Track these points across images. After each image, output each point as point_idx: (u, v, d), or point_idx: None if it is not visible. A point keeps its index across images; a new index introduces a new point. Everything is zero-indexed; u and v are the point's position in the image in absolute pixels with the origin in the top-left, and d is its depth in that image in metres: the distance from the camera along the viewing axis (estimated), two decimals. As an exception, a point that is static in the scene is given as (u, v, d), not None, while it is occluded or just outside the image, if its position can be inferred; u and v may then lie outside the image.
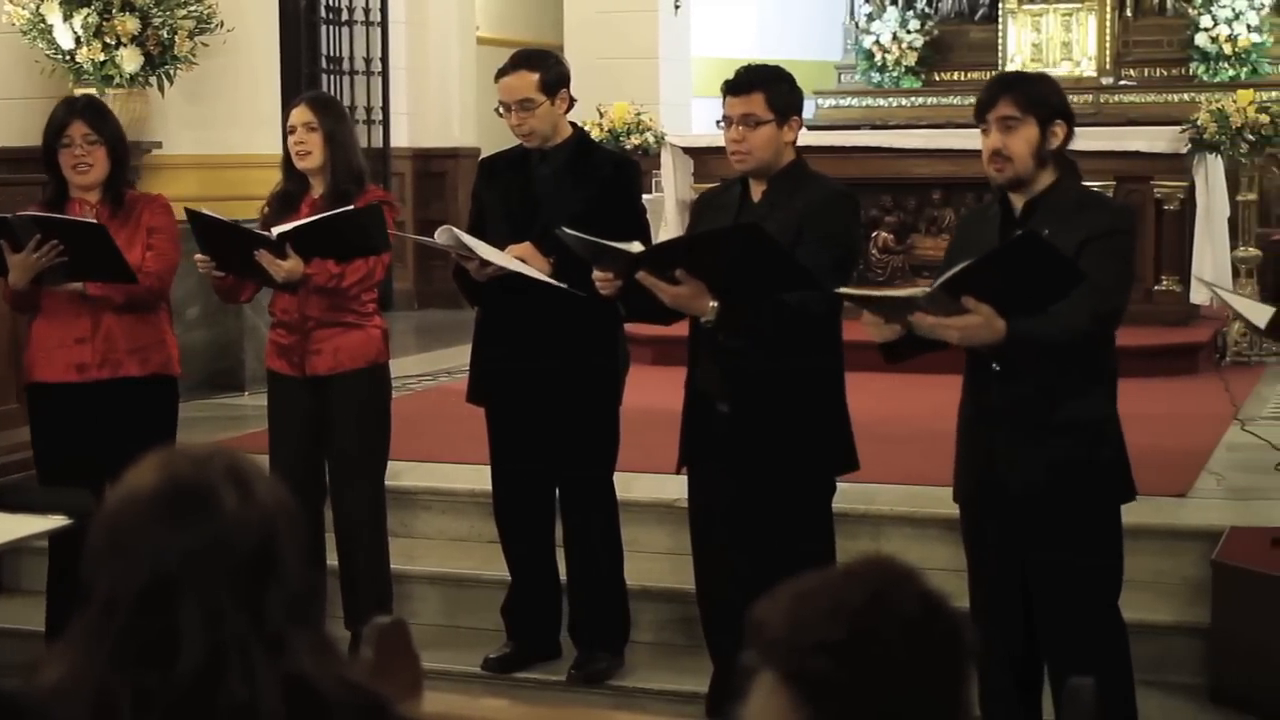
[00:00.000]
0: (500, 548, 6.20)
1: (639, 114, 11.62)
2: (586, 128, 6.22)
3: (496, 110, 5.89)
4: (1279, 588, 5.64)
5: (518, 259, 5.64)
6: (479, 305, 5.99)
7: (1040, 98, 4.59)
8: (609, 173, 5.87)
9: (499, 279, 5.67)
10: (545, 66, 5.81)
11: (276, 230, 5.77)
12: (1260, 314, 4.26)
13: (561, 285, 5.50)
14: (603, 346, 5.85)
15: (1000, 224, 4.64)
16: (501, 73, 5.86)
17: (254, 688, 1.99)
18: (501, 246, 5.69)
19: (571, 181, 5.78)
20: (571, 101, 5.90)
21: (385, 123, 14.04)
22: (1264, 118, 10.46)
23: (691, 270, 4.90)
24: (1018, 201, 4.61)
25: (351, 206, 5.77)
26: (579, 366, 5.81)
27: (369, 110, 13.89)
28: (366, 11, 13.93)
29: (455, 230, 5.68)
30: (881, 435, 6.82)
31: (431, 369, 10.38)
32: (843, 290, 4.67)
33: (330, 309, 5.94)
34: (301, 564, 2.08)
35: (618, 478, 6.07)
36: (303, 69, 13.14)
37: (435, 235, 5.73)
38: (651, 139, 11.49)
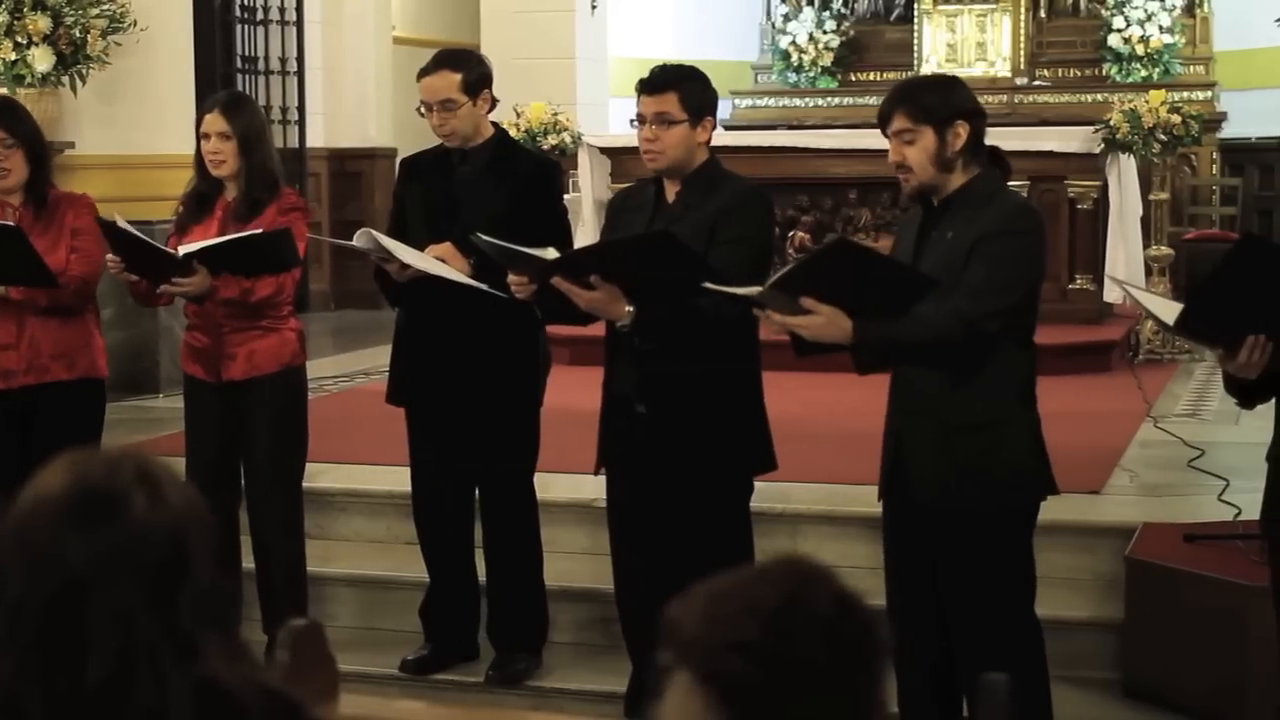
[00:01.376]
0: (418, 549, 6.18)
1: (556, 114, 11.61)
2: (504, 128, 6.20)
3: (418, 110, 5.86)
4: (1192, 583, 5.69)
5: (437, 260, 5.62)
6: (399, 306, 5.97)
7: (932, 106, 4.57)
8: (530, 174, 5.86)
9: (420, 280, 5.65)
10: (468, 67, 5.80)
11: (183, 249, 5.73)
12: (1170, 311, 4.28)
13: (481, 286, 5.49)
14: (523, 347, 5.84)
15: (920, 224, 4.66)
16: (424, 72, 5.84)
17: (165, 693, 1.97)
18: (421, 247, 5.67)
19: (493, 182, 5.77)
20: (494, 102, 5.89)
21: (301, 123, 13.98)
22: (1175, 118, 10.56)
23: (606, 275, 4.90)
24: (936, 201, 4.64)
25: (260, 231, 5.71)
26: (499, 367, 5.79)
27: (284, 110, 13.83)
28: (282, 11, 13.86)
29: (374, 233, 5.66)
30: (799, 434, 6.84)
31: (348, 370, 10.34)
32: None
33: (244, 315, 5.90)
34: (213, 567, 2.07)
35: (538, 478, 6.06)
36: (217, 69, 13.07)
37: (354, 238, 5.70)
38: (568, 139, 11.48)
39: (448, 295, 5.61)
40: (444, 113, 5.74)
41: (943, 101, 4.61)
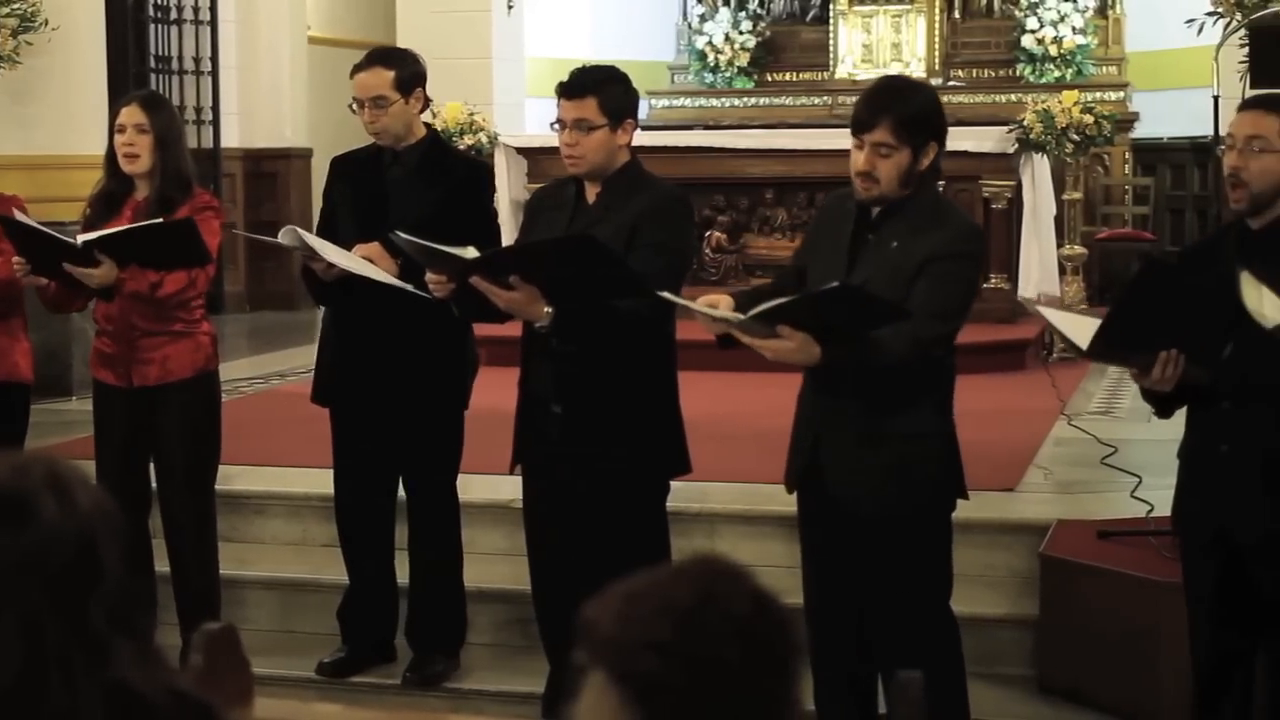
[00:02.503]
0: (335, 551, 6.15)
1: (472, 114, 11.59)
2: (436, 129, 6.19)
3: (350, 107, 5.84)
4: (1105, 579, 5.74)
5: (364, 259, 5.60)
6: (326, 305, 5.95)
7: (920, 126, 4.52)
8: (461, 175, 5.85)
9: (347, 279, 5.63)
10: (401, 65, 5.78)
11: (82, 238, 5.68)
12: (1080, 331, 4.31)
13: (407, 286, 5.46)
14: (451, 349, 5.82)
15: (854, 225, 4.63)
16: (357, 69, 5.83)
17: (75, 698, 1.95)
18: (350, 246, 5.65)
19: (423, 183, 5.75)
20: (427, 101, 5.87)
21: (215, 123, 13.90)
22: (1088, 118, 10.65)
23: (526, 276, 4.89)
24: (875, 207, 4.61)
25: (161, 220, 5.67)
26: (427, 369, 5.77)
27: (199, 110, 13.74)
28: (196, 10, 13.77)
29: (298, 230, 5.63)
30: (715, 434, 6.85)
31: (264, 372, 10.29)
32: (666, 295, 4.66)
33: (156, 318, 5.84)
34: (124, 572, 2.05)
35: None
36: (130, 68, 12.97)
37: (279, 235, 5.67)
38: (485, 139, 11.46)
39: (375, 295, 5.59)
40: (375, 109, 5.72)
41: (932, 122, 4.56)
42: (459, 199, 5.70)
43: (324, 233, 5.78)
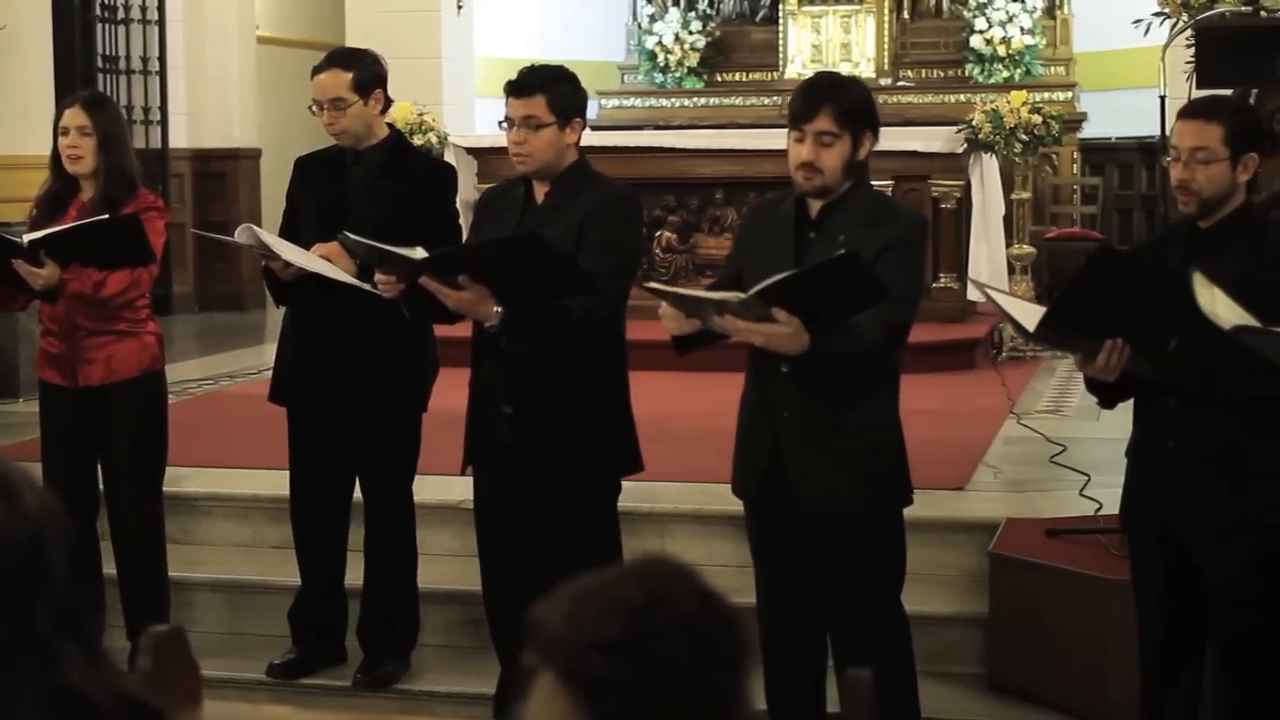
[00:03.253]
0: (284, 553, 6.14)
1: (422, 114, 11.57)
2: (400, 130, 6.18)
3: (310, 108, 5.83)
4: (1055, 578, 5.76)
5: (322, 259, 5.58)
6: (285, 304, 5.93)
7: (858, 113, 4.56)
8: (423, 176, 5.84)
9: (307, 278, 5.61)
10: (360, 66, 5.76)
11: (28, 237, 5.65)
12: (1028, 315, 4.33)
13: (365, 285, 5.45)
14: (411, 350, 5.80)
15: (794, 224, 4.65)
16: (316, 70, 5.81)
17: (20, 702, 1.94)
18: (311, 246, 5.64)
19: (385, 183, 5.74)
20: (388, 102, 5.86)
21: (163, 123, 13.83)
22: (1036, 118, 10.70)
23: (475, 276, 4.89)
24: (814, 204, 4.62)
25: (106, 216, 5.65)
26: (385, 370, 5.76)
27: (146, 110, 13.67)
28: (143, 10, 13.71)
29: (255, 228, 5.61)
30: (665, 434, 6.85)
31: (213, 373, 10.25)
32: (651, 285, 4.66)
33: (100, 317, 5.82)
34: (71, 575, 2.04)
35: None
36: (78, 68, 12.90)
37: (235, 234, 5.66)
38: (434, 139, 11.45)
39: (334, 295, 5.58)
40: (334, 111, 5.71)
41: (864, 109, 4.60)
42: (420, 199, 5.69)
43: (287, 233, 5.76)
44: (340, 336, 5.71)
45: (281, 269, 5.60)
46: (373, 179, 5.75)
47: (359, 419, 5.79)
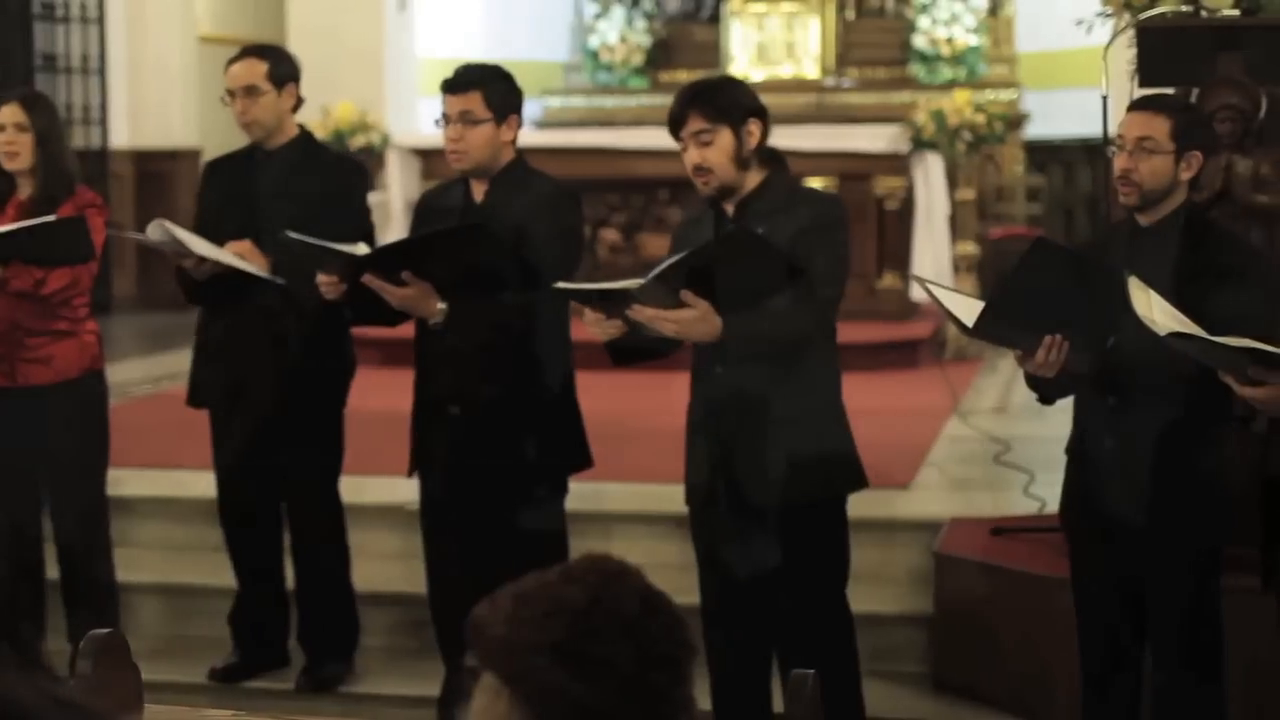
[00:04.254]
0: (224, 555, 6.10)
1: (364, 114, 11.53)
2: (311, 128, 6.16)
3: (222, 99, 5.81)
4: (998, 576, 5.78)
5: (237, 255, 5.56)
6: (200, 304, 5.89)
7: (725, 105, 4.58)
8: (334, 174, 5.82)
9: (222, 278, 5.58)
10: (275, 58, 5.77)
11: None
12: (969, 311, 4.34)
13: (279, 280, 5.44)
14: (326, 349, 5.78)
15: (714, 228, 4.66)
16: (231, 61, 5.80)
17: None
18: (222, 245, 5.60)
19: (296, 182, 5.72)
20: (299, 100, 5.84)
21: (104, 122, 13.75)
22: (980, 117, 10.74)
23: (418, 272, 4.88)
24: (730, 206, 4.64)
25: (52, 216, 5.60)
26: (301, 369, 5.73)
27: (86, 110, 13.59)
28: (84, 8, 13.62)
29: (166, 224, 5.58)
30: (611, 434, 6.83)
31: (154, 374, 10.18)
32: (561, 285, 4.66)
33: (40, 316, 5.77)
34: (9, 578, 2.01)
35: (349, 481, 6.01)
36: (17, 66, 12.81)
37: (147, 230, 5.62)
38: (377, 139, 11.41)
39: (248, 295, 5.56)
40: (246, 99, 5.69)
41: (734, 100, 4.63)
42: (332, 197, 5.67)
43: (199, 235, 5.73)
44: (254, 336, 5.69)
45: (195, 267, 5.57)
46: (284, 178, 5.73)
47: (277, 420, 5.76)
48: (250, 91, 5.69)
